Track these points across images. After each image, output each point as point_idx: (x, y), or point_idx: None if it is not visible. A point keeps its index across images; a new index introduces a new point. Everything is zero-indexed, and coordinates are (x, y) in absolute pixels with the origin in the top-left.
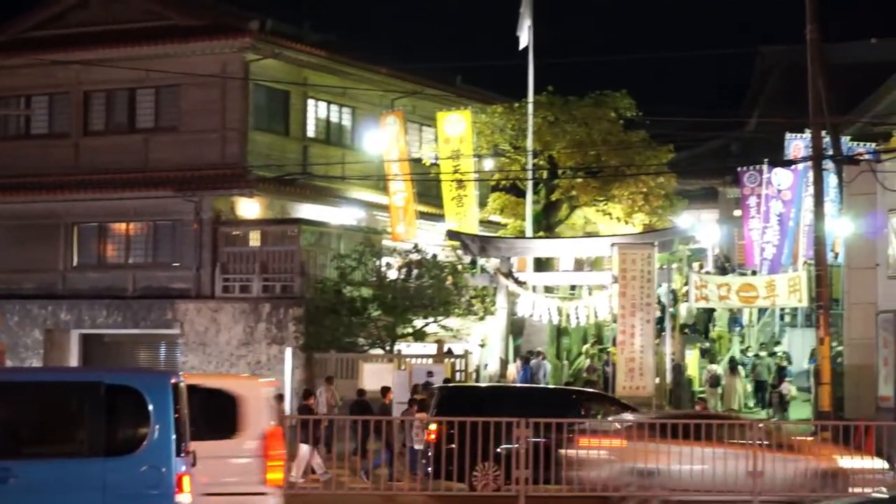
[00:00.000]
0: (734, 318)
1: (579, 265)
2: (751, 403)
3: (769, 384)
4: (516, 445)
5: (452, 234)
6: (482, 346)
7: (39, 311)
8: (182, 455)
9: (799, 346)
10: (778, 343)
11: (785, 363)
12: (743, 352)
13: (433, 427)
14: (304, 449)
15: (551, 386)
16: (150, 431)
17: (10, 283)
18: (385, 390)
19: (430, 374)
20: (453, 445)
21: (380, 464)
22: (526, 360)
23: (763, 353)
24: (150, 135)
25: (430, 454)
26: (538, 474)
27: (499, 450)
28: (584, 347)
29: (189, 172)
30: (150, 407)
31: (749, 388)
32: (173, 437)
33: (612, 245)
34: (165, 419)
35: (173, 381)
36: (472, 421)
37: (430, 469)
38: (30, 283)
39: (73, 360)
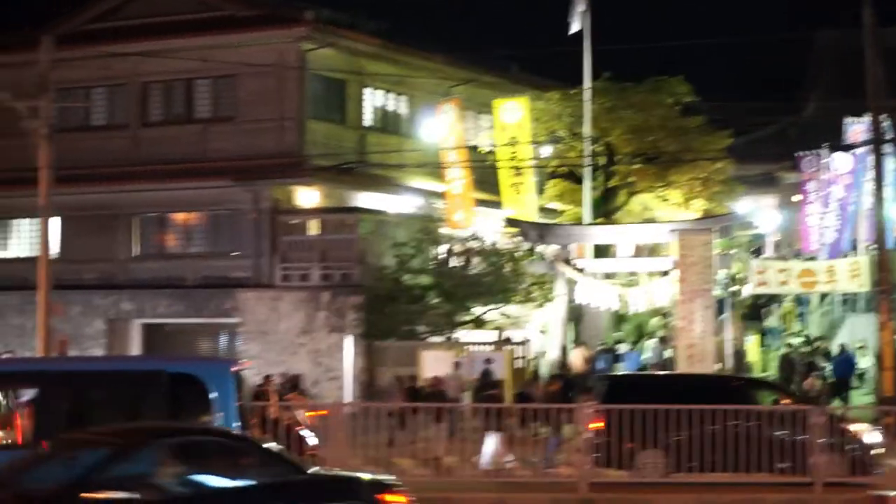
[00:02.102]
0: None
1: (638, 251)
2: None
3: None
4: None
5: (511, 222)
6: (542, 333)
7: (101, 302)
8: None
9: (861, 331)
10: (822, 338)
11: (816, 359)
12: (806, 338)
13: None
14: (492, 437)
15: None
16: (213, 419)
17: (72, 273)
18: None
19: (488, 361)
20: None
21: (555, 448)
22: (607, 350)
23: (793, 342)
24: (207, 125)
25: (596, 442)
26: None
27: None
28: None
29: (247, 162)
30: (212, 395)
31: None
32: (235, 424)
33: (672, 231)
34: (227, 407)
35: (234, 369)
36: (639, 409)
37: (596, 456)
38: (91, 273)
39: (135, 350)
